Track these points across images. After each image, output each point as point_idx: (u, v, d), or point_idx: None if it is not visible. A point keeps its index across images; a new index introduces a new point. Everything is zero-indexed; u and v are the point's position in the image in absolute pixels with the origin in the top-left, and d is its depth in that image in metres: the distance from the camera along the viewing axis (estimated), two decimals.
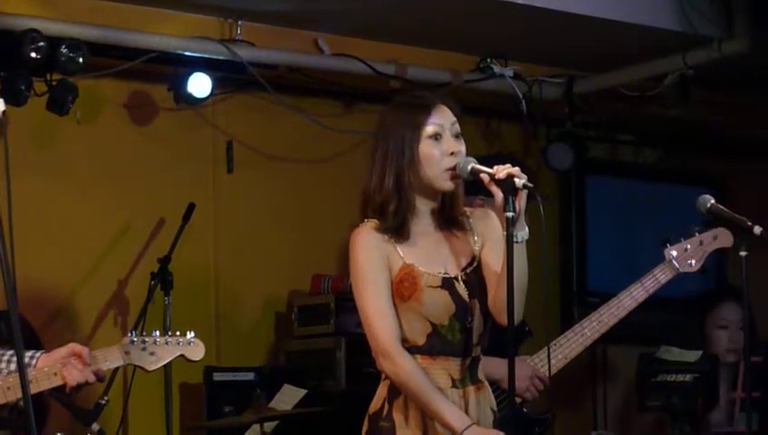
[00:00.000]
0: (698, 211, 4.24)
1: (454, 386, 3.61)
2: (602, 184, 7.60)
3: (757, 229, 4.07)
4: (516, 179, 3.46)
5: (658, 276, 4.67)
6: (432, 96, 3.75)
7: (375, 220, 3.62)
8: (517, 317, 3.50)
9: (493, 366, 4.08)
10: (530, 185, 3.47)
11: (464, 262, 3.67)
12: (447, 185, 3.61)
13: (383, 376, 3.65)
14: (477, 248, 3.69)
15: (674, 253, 4.68)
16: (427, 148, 3.59)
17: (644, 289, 4.66)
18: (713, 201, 4.21)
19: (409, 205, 3.61)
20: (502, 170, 3.48)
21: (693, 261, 4.69)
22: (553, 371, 4.56)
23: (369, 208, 3.64)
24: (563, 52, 6.78)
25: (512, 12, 6.06)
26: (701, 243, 4.70)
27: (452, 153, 3.59)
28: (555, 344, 4.60)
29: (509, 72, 6.82)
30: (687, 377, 5.20)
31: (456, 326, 3.61)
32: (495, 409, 3.73)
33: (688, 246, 4.68)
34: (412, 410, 3.59)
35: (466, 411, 3.58)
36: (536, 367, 4.55)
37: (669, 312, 5.95)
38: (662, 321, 5.90)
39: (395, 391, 3.61)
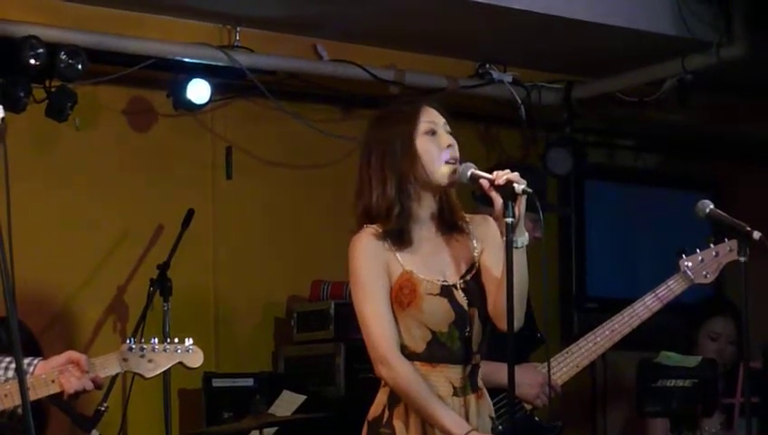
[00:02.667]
0: (697, 216, 4.23)
1: (455, 394, 3.60)
2: (601, 189, 7.60)
3: (756, 234, 4.06)
4: (515, 185, 3.46)
5: (673, 287, 4.67)
6: (418, 99, 3.76)
7: (374, 226, 3.62)
8: (518, 323, 3.50)
9: (504, 372, 4.08)
10: (529, 190, 3.47)
11: (463, 268, 3.66)
12: (445, 180, 3.60)
13: (383, 382, 3.64)
14: (477, 254, 3.69)
15: (689, 264, 4.67)
16: (423, 143, 3.60)
17: (658, 299, 4.65)
18: (712, 206, 4.20)
19: (412, 208, 3.61)
20: (501, 176, 3.48)
21: (708, 272, 4.68)
22: (565, 378, 4.56)
23: (370, 217, 3.62)
24: (562, 57, 6.78)
25: (510, 17, 6.07)
26: (716, 254, 4.68)
27: (448, 145, 3.60)
28: (567, 353, 4.60)
29: (508, 77, 6.82)
30: (687, 382, 5.19)
31: (456, 334, 3.60)
32: (494, 416, 3.72)
33: (703, 258, 4.67)
34: (412, 416, 3.58)
35: (467, 419, 3.58)
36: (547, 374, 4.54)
37: (670, 317, 5.94)
38: (662, 326, 5.89)
39: (395, 397, 3.60)
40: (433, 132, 3.62)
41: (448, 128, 3.65)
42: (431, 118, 3.64)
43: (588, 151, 7.23)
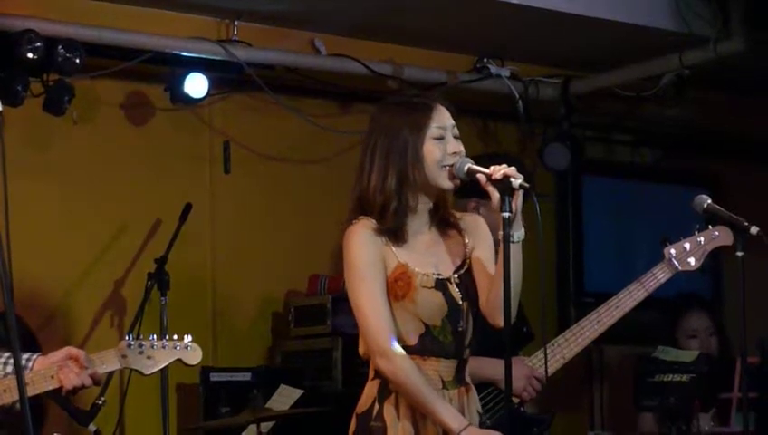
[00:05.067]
0: (694, 211, 4.23)
1: (444, 387, 3.60)
2: (599, 184, 7.60)
3: (754, 229, 4.07)
4: (512, 180, 3.47)
5: (658, 275, 4.65)
6: (430, 96, 3.76)
7: (370, 219, 3.61)
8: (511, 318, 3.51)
9: (490, 367, 4.08)
10: (526, 185, 3.48)
11: (455, 263, 3.68)
12: (447, 184, 3.61)
13: (371, 375, 3.64)
14: (469, 250, 3.70)
15: (673, 251, 4.66)
16: (430, 148, 3.60)
17: (643, 288, 4.64)
18: (709, 201, 4.20)
19: (409, 204, 3.61)
20: (498, 171, 3.50)
21: (692, 259, 4.67)
22: (552, 371, 4.54)
23: (367, 209, 3.62)
24: (560, 52, 6.78)
25: (508, 12, 6.07)
26: (701, 241, 4.68)
27: (454, 153, 3.60)
28: (553, 345, 4.58)
29: (506, 72, 6.82)
30: (684, 377, 5.20)
31: (449, 328, 3.61)
32: (481, 411, 3.74)
33: (688, 245, 4.66)
34: (403, 409, 3.58)
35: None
36: (534, 367, 4.54)
37: (666, 312, 5.96)
38: (659, 321, 5.91)
39: (385, 390, 3.60)
40: (441, 137, 3.62)
41: (455, 130, 3.65)
42: (441, 122, 3.63)
43: (585, 146, 7.23)
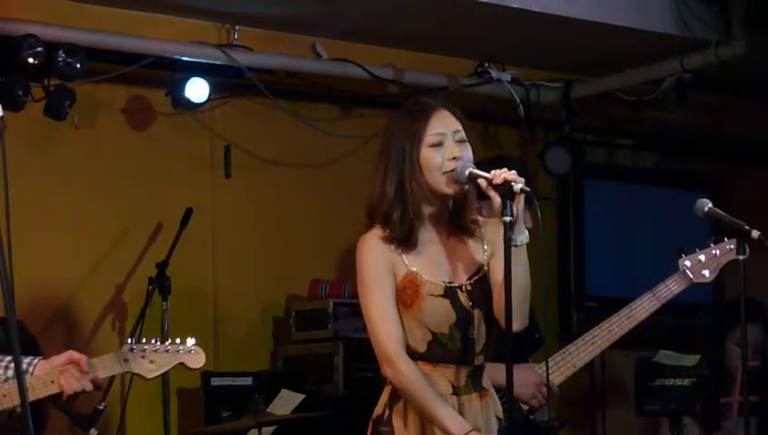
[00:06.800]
0: (696, 215, 4.23)
1: (455, 393, 3.62)
2: (600, 188, 7.60)
3: (755, 233, 4.06)
4: (514, 184, 3.46)
5: (671, 286, 4.64)
6: (434, 102, 3.74)
7: (379, 228, 3.63)
8: (522, 322, 3.52)
9: (500, 373, 4.07)
10: (527, 189, 3.47)
11: (470, 271, 3.67)
12: (448, 189, 3.61)
13: (386, 381, 3.66)
14: (486, 257, 3.69)
15: (688, 263, 4.65)
16: (428, 155, 3.60)
17: (656, 299, 4.63)
18: (710, 205, 4.20)
19: (415, 212, 3.61)
20: (499, 175, 3.49)
21: (707, 272, 4.66)
22: (561, 379, 4.54)
23: (374, 217, 3.65)
24: (561, 56, 6.78)
25: (509, 16, 6.07)
26: (716, 254, 4.67)
27: (454, 158, 3.59)
28: (564, 353, 4.58)
29: (506, 76, 6.82)
30: (686, 381, 5.20)
31: (457, 335, 3.62)
32: (501, 416, 3.73)
33: (703, 257, 4.65)
34: (411, 414, 3.60)
35: (466, 418, 3.58)
36: (544, 374, 4.52)
37: (668, 316, 5.94)
38: (661, 325, 5.89)
39: (395, 396, 3.63)
40: (440, 144, 3.61)
41: (460, 135, 3.64)
42: (440, 128, 3.62)
43: (587, 150, 7.23)
